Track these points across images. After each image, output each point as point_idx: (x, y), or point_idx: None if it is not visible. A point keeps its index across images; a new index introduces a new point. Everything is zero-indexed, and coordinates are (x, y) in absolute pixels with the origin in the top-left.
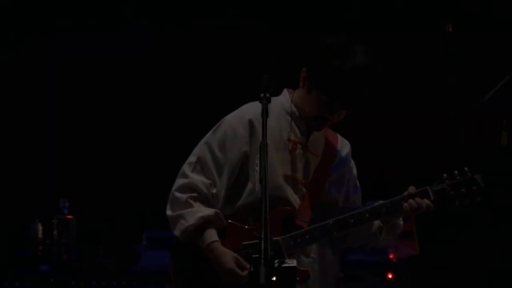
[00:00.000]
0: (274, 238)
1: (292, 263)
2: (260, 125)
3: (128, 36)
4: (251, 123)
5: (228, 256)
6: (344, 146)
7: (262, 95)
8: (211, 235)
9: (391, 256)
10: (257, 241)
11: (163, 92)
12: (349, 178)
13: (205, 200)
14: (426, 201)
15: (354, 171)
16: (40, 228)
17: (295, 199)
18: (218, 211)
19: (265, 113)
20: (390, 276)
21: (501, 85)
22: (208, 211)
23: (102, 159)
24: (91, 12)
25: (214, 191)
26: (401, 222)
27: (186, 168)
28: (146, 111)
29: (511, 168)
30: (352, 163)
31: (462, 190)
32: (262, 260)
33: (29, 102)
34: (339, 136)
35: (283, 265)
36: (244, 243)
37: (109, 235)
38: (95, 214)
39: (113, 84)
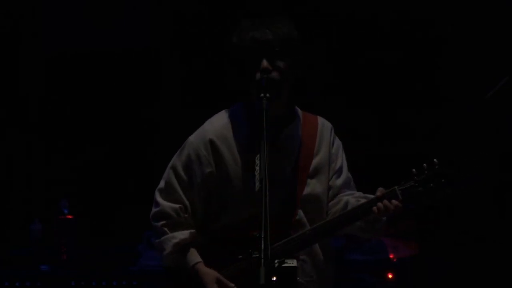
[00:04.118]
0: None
1: (292, 263)
2: (221, 142)
3: (128, 29)
4: (211, 142)
5: (210, 276)
6: (325, 129)
7: (262, 95)
8: (192, 257)
9: (391, 256)
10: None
11: (162, 91)
12: (332, 165)
13: (179, 225)
14: (394, 202)
15: (340, 153)
16: (40, 228)
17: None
18: (193, 231)
19: (265, 113)
20: (390, 276)
21: (501, 85)
22: (182, 235)
23: (102, 158)
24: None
25: (186, 215)
26: (383, 218)
27: (156, 195)
28: (146, 110)
29: (510, 168)
30: (336, 144)
31: (431, 185)
32: (262, 260)
33: (28, 102)
34: (319, 119)
35: (283, 265)
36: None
37: (108, 235)
38: (95, 214)
39: (113, 82)
